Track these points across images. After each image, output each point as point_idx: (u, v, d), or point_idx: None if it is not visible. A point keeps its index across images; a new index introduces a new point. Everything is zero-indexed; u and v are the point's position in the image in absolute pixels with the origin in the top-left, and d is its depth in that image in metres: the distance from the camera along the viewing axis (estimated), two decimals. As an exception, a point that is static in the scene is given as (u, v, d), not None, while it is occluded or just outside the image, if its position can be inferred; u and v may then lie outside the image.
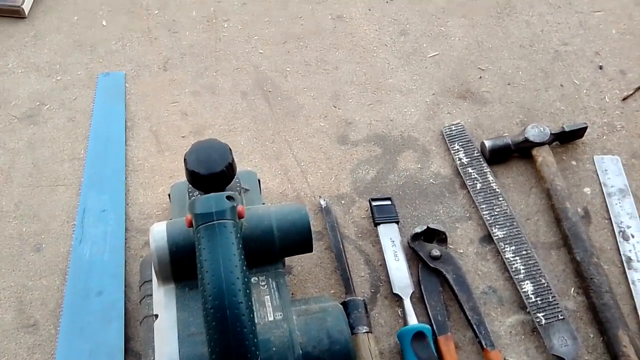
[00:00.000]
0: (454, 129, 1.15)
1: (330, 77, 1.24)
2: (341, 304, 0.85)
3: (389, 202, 1.04)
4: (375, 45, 1.30)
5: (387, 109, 1.19)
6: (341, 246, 0.99)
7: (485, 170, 1.09)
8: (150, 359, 0.78)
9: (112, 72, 1.25)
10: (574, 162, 1.11)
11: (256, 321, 0.71)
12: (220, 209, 0.69)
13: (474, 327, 0.90)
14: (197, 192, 0.87)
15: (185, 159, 0.81)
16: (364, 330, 0.88)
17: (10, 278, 0.98)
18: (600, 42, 1.29)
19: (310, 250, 0.84)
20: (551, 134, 1.09)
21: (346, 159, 1.12)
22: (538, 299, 0.94)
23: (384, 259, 0.98)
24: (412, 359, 0.86)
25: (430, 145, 1.14)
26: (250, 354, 0.64)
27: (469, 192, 1.07)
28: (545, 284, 0.95)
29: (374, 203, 1.04)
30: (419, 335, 0.87)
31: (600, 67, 1.25)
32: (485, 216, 1.03)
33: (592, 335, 0.92)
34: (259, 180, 0.95)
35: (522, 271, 0.97)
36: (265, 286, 0.79)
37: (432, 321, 0.91)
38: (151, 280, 0.86)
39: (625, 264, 0.98)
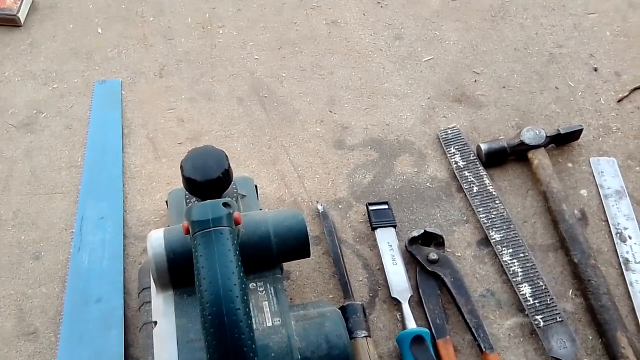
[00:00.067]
0: (450, 132, 1.15)
1: (326, 82, 1.25)
2: (340, 308, 0.86)
3: (386, 207, 1.04)
4: (371, 50, 1.30)
5: (383, 113, 1.20)
6: (339, 251, 1.00)
7: (481, 174, 1.09)
8: (149, 366, 0.78)
9: (108, 79, 1.25)
10: (570, 165, 1.11)
11: (255, 327, 0.71)
12: (216, 216, 0.69)
13: (473, 330, 0.91)
14: (195, 199, 0.87)
15: (181, 166, 0.82)
16: (363, 335, 0.88)
17: (10, 286, 0.98)
18: (595, 44, 1.30)
19: (308, 256, 0.84)
20: (547, 136, 1.10)
21: (343, 164, 1.12)
22: (536, 301, 0.94)
23: (382, 264, 0.98)
24: (411, 363, 0.86)
25: (427, 149, 1.14)
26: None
27: (465, 195, 1.07)
28: (544, 287, 0.95)
29: (371, 207, 1.04)
30: (418, 339, 0.87)
31: (595, 70, 1.25)
32: (482, 219, 1.04)
33: (590, 337, 0.92)
34: (256, 187, 0.95)
35: (520, 274, 0.97)
36: (264, 292, 0.79)
37: (431, 325, 0.91)
38: (150, 288, 0.86)
39: (623, 266, 0.98)
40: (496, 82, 1.24)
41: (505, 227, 1.02)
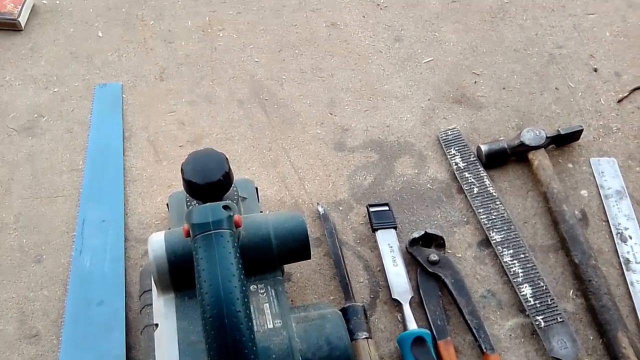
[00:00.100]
0: (450, 133, 1.15)
1: (326, 84, 1.25)
2: (340, 310, 0.86)
3: (386, 208, 1.04)
4: (370, 52, 1.30)
5: (383, 115, 1.20)
6: (340, 252, 1.00)
7: (481, 175, 1.09)
8: (151, 368, 0.78)
9: (109, 83, 1.26)
10: (570, 165, 1.12)
11: (255, 329, 0.72)
12: (216, 218, 0.70)
13: (474, 331, 0.91)
14: (195, 202, 0.88)
15: (182, 169, 0.82)
16: (364, 336, 0.88)
17: (11, 289, 0.98)
18: (595, 44, 1.30)
19: (308, 257, 0.84)
20: (547, 137, 1.10)
21: (343, 166, 1.12)
22: (537, 301, 0.94)
23: (383, 265, 0.98)
24: (412, 364, 0.86)
25: (427, 150, 1.14)
26: (250, 361, 0.65)
27: (466, 196, 1.07)
28: (544, 287, 0.95)
29: (371, 209, 1.04)
30: (418, 340, 0.87)
31: (595, 70, 1.25)
32: (482, 220, 1.04)
33: (591, 337, 0.92)
34: (256, 189, 0.96)
35: (521, 274, 0.97)
36: (264, 294, 0.79)
37: (432, 326, 0.91)
38: (151, 290, 0.86)
39: (623, 266, 0.99)
40: (496, 83, 1.24)
41: (505, 228, 1.02)
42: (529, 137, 1.09)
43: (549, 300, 0.94)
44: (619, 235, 1.02)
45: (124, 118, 1.20)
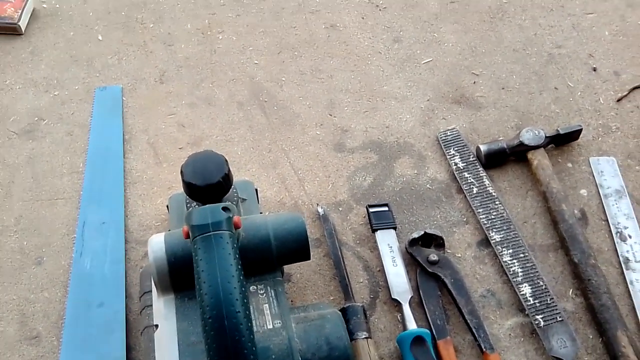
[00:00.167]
0: (449, 134, 1.15)
1: (325, 85, 1.25)
2: (340, 310, 0.86)
3: (386, 208, 1.05)
4: (369, 53, 1.31)
5: (383, 115, 1.20)
6: (339, 253, 1.00)
7: (481, 175, 1.09)
8: (151, 370, 0.79)
9: (109, 86, 1.26)
10: (569, 165, 1.12)
11: (255, 329, 0.72)
12: (216, 220, 0.70)
13: (473, 330, 0.91)
14: (195, 203, 0.88)
15: (181, 171, 0.82)
16: (364, 336, 0.88)
17: (12, 291, 0.99)
18: (594, 44, 1.30)
19: (308, 258, 0.84)
20: (546, 136, 1.10)
21: (343, 166, 1.13)
22: (536, 301, 0.94)
23: (383, 265, 0.99)
24: (412, 364, 0.86)
25: (426, 150, 1.15)
26: (250, 362, 0.65)
27: (465, 196, 1.07)
28: (544, 286, 0.95)
29: (371, 209, 1.04)
30: (418, 339, 0.88)
31: (594, 69, 1.25)
32: (482, 220, 1.04)
33: (591, 336, 0.92)
34: (256, 190, 0.96)
35: (520, 274, 0.97)
36: (264, 295, 0.79)
37: (431, 325, 0.92)
38: (151, 291, 0.87)
39: (623, 265, 0.99)
40: (495, 83, 1.24)
41: (505, 228, 1.02)
42: (528, 136, 1.10)
43: (549, 299, 0.94)
44: (618, 234, 1.02)
45: (124, 121, 1.20)
